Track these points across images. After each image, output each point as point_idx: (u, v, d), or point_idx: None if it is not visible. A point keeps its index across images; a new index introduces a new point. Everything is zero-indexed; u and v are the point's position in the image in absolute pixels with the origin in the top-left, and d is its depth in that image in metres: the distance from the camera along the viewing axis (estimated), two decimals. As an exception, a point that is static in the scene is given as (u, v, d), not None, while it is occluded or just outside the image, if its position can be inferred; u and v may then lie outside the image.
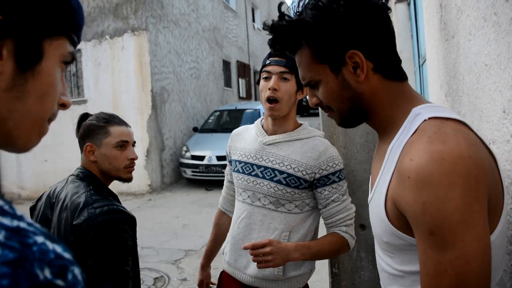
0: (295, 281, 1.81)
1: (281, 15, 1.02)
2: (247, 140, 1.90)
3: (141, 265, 5.61)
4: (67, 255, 0.46)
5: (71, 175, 1.79)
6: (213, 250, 2.14)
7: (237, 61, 16.61)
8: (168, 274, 5.06)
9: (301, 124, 1.87)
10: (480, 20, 1.38)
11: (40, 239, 0.45)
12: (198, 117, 12.58)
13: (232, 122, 11.09)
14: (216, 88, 14.25)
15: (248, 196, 1.82)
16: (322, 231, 2.01)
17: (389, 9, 0.96)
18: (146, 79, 10.03)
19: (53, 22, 0.59)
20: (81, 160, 1.79)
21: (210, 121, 11.69)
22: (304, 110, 21.73)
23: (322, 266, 4.95)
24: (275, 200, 1.76)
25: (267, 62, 1.79)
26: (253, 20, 19.84)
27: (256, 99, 18.65)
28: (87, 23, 10.55)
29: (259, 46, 19.84)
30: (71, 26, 0.63)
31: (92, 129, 1.75)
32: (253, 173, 1.80)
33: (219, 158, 9.52)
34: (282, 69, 1.74)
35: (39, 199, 1.84)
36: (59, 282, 0.43)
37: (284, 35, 1.02)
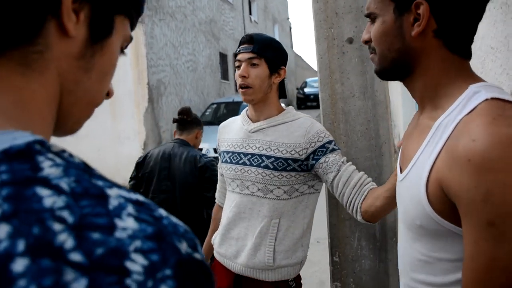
0: (285, 271, 1.78)
1: None
2: (233, 130, 1.92)
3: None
4: (188, 228, 0.42)
5: (174, 142, 3.00)
6: (211, 245, 2.11)
7: (234, 54, 16.55)
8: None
9: (285, 109, 1.86)
10: (486, 1, 1.36)
11: (163, 212, 0.41)
12: (195, 110, 12.47)
13: (230, 115, 10.99)
14: (213, 81, 14.19)
15: (237, 185, 1.81)
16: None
17: None
18: (143, 72, 9.97)
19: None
20: (181, 135, 3.01)
21: (207, 113, 11.65)
22: (302, 103, 21.69)
23: (321, 257, 4.95)
24: (263, 186, 1.74)
25: (237, 50, 1.82)
26: (250, 13, 19.73)
27: (253, 92, 18.58)
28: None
29: (255, 38, 19.75)
30: (136, 8, 0.59)
31: (201, 124, 3.13)
32: (240, 162, 1.80)
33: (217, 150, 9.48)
34: (250, 55, 1.76)
35: (145, 157, 2.99)
36: (198, 256, 0.40)
37: None
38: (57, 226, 0.34)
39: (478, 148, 0.73)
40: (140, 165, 2.97)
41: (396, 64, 0.93)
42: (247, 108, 1.91)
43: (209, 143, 9.78)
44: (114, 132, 10.09)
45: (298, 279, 1.87)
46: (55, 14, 0.45)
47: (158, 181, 2.85)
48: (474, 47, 1.57)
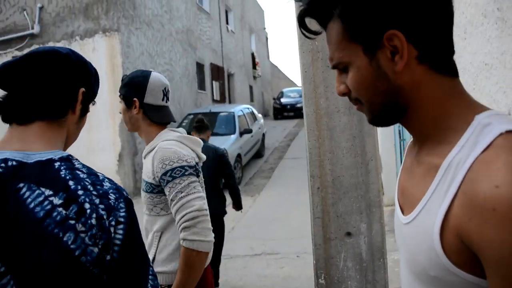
0: (161, 277, 1.88)
1: None
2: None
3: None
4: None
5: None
6: None
7: (211, 64, 16.45)
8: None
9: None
10: (479, 17, 1.31)
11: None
12: (171, 120, 12.38)
13: (207, 125, 10.94)
14: (189, 91, 14.05)
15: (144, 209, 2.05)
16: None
17: None
18: (118, 81, 9.69)
19: (87, 83, 1.15)
20: (200, 135, 4.32)
21: (184, 124, 11.49)
22: (278, 113, 21.69)
23: (301, 272, 4.88)
24: (147, 205, 1.97)
25: None
26: (227, 22, 19.70)
27: (230, 102, 18.50)
28: (56, 23, 10.25)
29: (232, 48, 19.71)
30: (91, 85, 1.17)
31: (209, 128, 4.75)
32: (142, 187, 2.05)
33: (194, 162, 9.37)
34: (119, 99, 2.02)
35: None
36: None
37: (313, 3, 0.83)
38: (89, 187, 1.00)
39: (503, 195, 0.64)
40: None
41: (387, 107, 0.83)
42: None
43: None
44: (89, 143, 9.85)
45: None
46: (72, 108, 1.10)
47: None
48: (465, 62, 1.52)
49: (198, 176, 1.91)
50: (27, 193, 0.92)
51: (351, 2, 0.78)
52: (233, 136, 10.37)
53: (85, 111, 1.14)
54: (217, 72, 17.16)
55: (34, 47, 10.35)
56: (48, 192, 0.93)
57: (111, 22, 9.87)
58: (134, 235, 1.01)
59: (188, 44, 14.22)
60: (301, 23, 0.87)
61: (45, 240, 0.90)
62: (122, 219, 0.98)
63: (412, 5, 0.75)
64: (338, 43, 0.82)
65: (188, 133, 8.54)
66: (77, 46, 10.08)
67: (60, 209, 0.93)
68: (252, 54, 23.69)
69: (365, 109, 0.85)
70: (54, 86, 1.05)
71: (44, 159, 0.98)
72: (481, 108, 0.78)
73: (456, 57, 1.55)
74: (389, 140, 6.89)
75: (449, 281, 0.75)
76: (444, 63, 0.79)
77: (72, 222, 0.92)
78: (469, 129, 0.74)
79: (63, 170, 0.98)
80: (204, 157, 2.06)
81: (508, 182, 0.64)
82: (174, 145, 1.91)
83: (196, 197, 1.79)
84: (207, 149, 4.19)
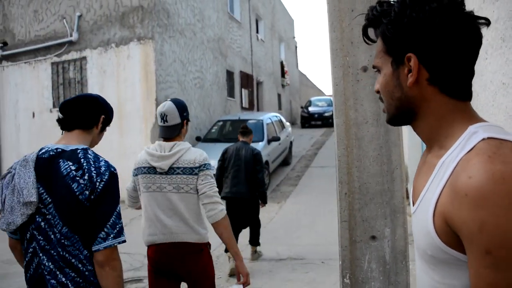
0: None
1: (379, 1, 1.04)
2: None
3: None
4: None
5: (241, 142, 6.08)
6: None
7: (241, 72, 16.70)
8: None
9: None
10: (498, 40, 1.44)
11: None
12: (201, 126, 12.63)
13: (235, 132, 11.08)
14: (219, 98, 14.31)
15: None
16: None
17: (475, 26, 0.93)
18: (151, 88, 10.09)
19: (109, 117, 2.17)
20: (243, 138, 6.11)
21: (213, 130, 11.73)
22: (306, 121, 21.74)
23: (326, 278, 4.99)
24: None
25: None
26: (257, 31, 19.95)
27: (258, 110, 18.70)
28: (93, 31, 10.65)
29: (262, 57, 19.94)
30: (109, 115, 2.15)
31: (252, 132, 6.33)
32: None
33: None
34: None
35: (226, 150, 6.09)
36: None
37: (370, 19, 1.05)
38: (91, 162, 1.89)
39: (474, 184, 0.81)
40: (224, 154, 6.02)
41: (400, 111, 1.04)
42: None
43: (214, 159, 9.75)
44: (120, 147, 10.19)
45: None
46: (96, 125, 2.08)
47: (233, 162, 5.86)
48: (486, 80, 1.65)
49: (136, 175, 2.81)
50: (62, 164, 1.85)
51: (386, 26, 0.99)
52: (261, 143, 10.51)
53: (103, 129, 2.12)
54: (247, 80, 17.39)
55: (72, 53, 10.82)
56: (70, 163, 1.84)
57: (145, 30, 10.21)
58: (110, 188, 1.85)
59: (219, 52, 14.50)
60: (364, 32, 1.08)
61: (65, 186, 1.80)
62: (104, 179, 1.84)
63: (428, 37, 0.93)
64: (378, 51, 1.05)
65: (216, 139, 9.36)
66: (112, 53, 10.45)
67: (74, 171, 1.82)
68: (281, 63, 23.87)
69: (385, 108, 1.08)
70: (88, 113, 2.03)
71: (74, 148, 1.91)
72: (477, 121, 0.95)
73: (478, 75, 1.70)
74: (416, 151, 6.93)
75: (442, 258, 0.93)
76: (455, 89, 0.97)
77: (78, 178, 1.81)
78: (461, 137, 0.92)
79: (80, 154, 1.88)
80: (160, 165, 2.71)
81: (479, 174, 0.81)
82: (142, 152, 2.83)
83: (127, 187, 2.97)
84: (247, 149, 5.92)
